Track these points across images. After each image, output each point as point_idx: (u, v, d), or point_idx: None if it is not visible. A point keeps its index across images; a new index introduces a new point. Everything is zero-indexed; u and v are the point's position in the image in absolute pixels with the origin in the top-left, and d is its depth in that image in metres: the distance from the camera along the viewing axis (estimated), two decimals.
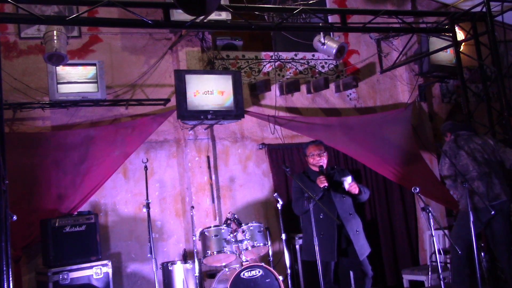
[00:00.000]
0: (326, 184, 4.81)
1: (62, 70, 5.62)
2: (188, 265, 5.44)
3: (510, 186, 5.29)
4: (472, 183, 5.14)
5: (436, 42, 7.30)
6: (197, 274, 5.35)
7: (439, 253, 4.49)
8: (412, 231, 7.32)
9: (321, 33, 5.94)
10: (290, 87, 6.87)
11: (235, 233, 5.46)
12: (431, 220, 4.45)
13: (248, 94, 6.81)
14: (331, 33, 6.92)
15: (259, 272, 5.24)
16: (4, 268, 3.98)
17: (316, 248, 4.60)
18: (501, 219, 5.17)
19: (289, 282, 5.47)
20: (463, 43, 6.99)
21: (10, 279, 4.03)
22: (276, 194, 5.59)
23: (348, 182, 4.83)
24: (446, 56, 7.52)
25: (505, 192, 5.19)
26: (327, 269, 4.92)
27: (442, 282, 4.49)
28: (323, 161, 5.06)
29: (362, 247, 4.90)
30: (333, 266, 4.95)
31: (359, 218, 5.05)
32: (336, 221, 4.79)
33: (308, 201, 4.65)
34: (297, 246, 6.23)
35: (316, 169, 5.05)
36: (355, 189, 4.89)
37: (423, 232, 7.26)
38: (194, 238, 5.42)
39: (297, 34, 6.74)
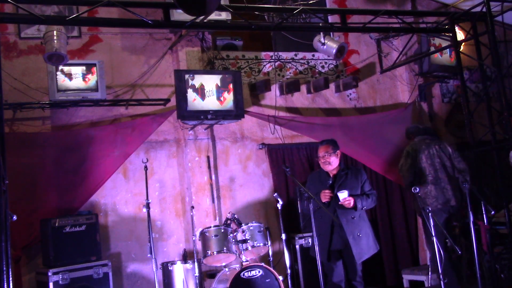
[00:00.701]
0: (328, 201, 4.87)
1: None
2: (188, 265, 5.44)
3: (461, 193, 5.55)
4: (426, 187, 5.59)
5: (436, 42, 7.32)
6: (197, 274, 5.35)
7: (439, 253, 4.49)
8: (412, 231, 7.31)
9: (321, 33, 5.94)
10: (290, 87, 6.86)
11: (235, 233, 5.46)
12: (431, 220, 4.46)
13: (248, 94, 6.81)
14: (331, 33, 6.92)
15: (259, 272, 5.24)
16: (4, 268, 3.97)
17: (316, 248, 4.62)
18: (451, 221, 5.58)
19: (289, 282, 5.47)
20: (463, 43, 6.99)
21: (10, 279, 4.03)
22: (276, 194, 5.60)
23: (342, 196, 4.81)
24: (446, 56, 7.52)
25: (455, 197, 5.59)
26: (330, 268, 4.93)
27: (442, 282, 4.50)
28: (329, 161, 5.01)
29: (362, 251, 4.88)
30: (340, 263, 4.96)
31: (366, 221, 5.03)
32: (335, 220, 4.80)
33: (308, 201, 4.66)
34: (297, 246, 6.22)
35: (326, 169, 5.05)
36: (348, 205, 4.83)
37: (423, 232, 7.24)
38: (194, 238, 5.42)
39: (297, 34, 6.74)
